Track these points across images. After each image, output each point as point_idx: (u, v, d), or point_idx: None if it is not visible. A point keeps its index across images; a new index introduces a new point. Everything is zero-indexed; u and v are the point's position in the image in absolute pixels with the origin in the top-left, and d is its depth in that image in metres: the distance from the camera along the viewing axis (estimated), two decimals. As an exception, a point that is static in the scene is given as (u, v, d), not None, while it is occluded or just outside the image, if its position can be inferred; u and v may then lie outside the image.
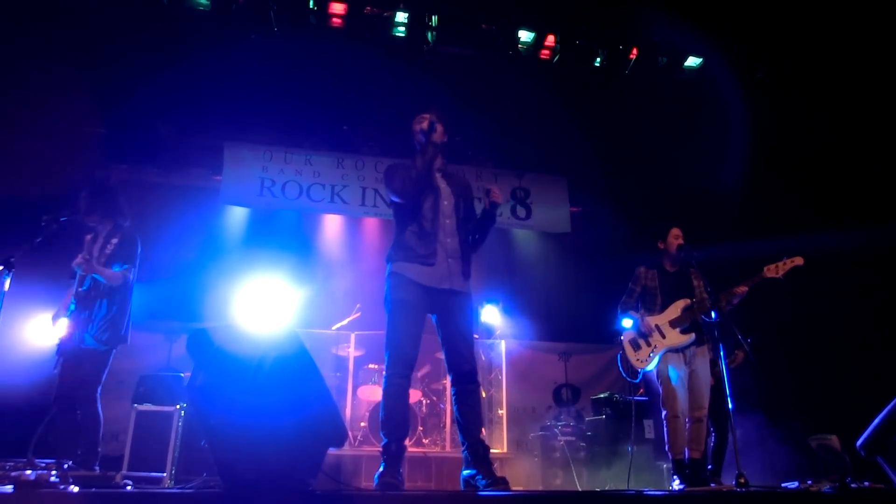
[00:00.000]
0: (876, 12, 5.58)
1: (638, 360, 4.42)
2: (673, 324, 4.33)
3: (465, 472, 3.14)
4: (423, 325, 3.23)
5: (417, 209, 3.32)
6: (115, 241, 4.12)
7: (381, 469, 3.04)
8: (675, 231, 4.55)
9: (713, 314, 4.18)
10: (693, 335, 4.26)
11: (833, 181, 6.42)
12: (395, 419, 3.12)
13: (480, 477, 3.03)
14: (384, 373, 3.18)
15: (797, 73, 6.44)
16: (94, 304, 4.08)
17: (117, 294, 4.16)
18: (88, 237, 4.20)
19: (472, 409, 3.22)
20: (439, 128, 3.39)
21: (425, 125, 3.37)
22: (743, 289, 4.23)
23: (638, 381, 4.55)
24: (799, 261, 4.16)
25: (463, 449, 3.19)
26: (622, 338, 4.57)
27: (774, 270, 4.18)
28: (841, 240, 5.79)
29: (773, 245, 4.51)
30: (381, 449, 3.12)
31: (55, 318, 4.16)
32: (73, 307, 4.05)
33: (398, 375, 3.13)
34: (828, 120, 6.40)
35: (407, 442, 5.78)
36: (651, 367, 4.36)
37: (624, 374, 4.56)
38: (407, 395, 3.21)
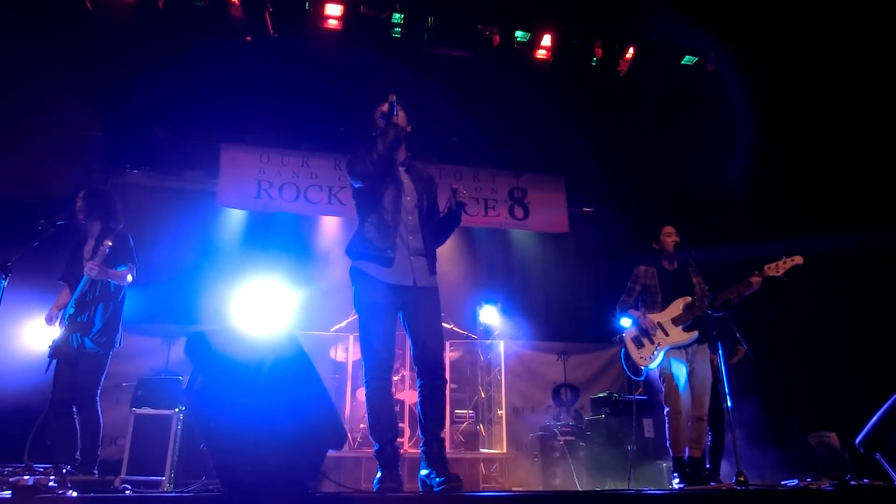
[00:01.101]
0: (877, 12, 5.59)
1: (641, 357, 4.42)
2: (675, 321, 4.33)
3: (422, 472, 3.06)
4: (394, 324, 3.15)
5: (378, 199, 3.23)
6: (108, 242, 4.11)
7: (379, 474, 2.99)
8: (667, 229, 4.56)
9: (715, 310, 4.19)
10: (696, 333, 4.27)
11: (833, 181, 6.43)
12: (383, 423, 3.05)
13: (435, 475, 2.97)
14: (364, 378, 3.11)
15: (798, 72, 6.45)
16: (91, 308, 4.09)
17: (113, 298, 4.18)
18: (90, 244, 4.21)
19: (436, 405, 3.14)
20: (401, 113, 3.32)
21: (385, 107, 3.31)
22: (758, 279, 4.22)
23: (642, 378, 4.55)
24: (799, 260, 4.18)
25: (420, 445, 3.11)
26: (624, 335, 4.57)
27: (775, 269, 4.19)
28: (840, 239, 5.81)
29: (773, 245, 4.52)
30: (374, 454, 3.06)
31: (49, 319, 4.14)
32: (72, 311, 4.05)
33: (377, 379, 3.07)
34: (829, 119, 6.41)
35: (406, 443, 5.77)
36: (654, 364, 4.36)
37: (628, 372, 4.56)
38: (390, 397, 3.16)
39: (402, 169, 3.37)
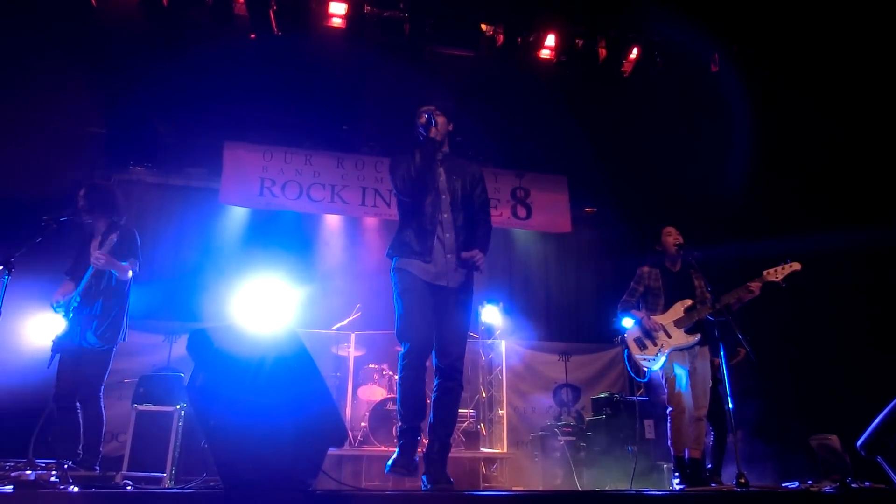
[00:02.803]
0: (880, 13, 5.57)
1: (644, 358, 4.43)
2: (677, 324, 4.34)
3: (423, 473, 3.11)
4: (431, 317, 3.19)
5: (419, 208, 3.27)
6: (113, 237, 4.12)
7: (395, 455, 3.04)
8: (668, 230, 4.56)
9: (716, 315, 4.18)
10: (698, 335, 4.28)
11: (834, 181, 6.42)
12: (409, 405, 3.10)
13: (427, 477, 3.02)
14: (399, 362, 3.17)
15: (800, 72, 6.43)
16: (93, 302, 4.08)
17: (115, 291, 4.16)
18: (96, 241, 4.21)
19: (446, 407, 3.18)
20: (440, 120, 3.31)
21: (423, 119, 3.31)
22: (757, 284, 4.22)
23: (645, 379, 4.55)
24: (797, 266, 4.18)
25: (425, 447, 3.15)
26: (626, 336, 4.57)
27: (774, 274, 4.19)
28: (841, 240, 5.79)
29: (775, 245, 4.51)
30: (397, 434, 3.12)
31: (55, 303, 4.13)
32: (76, 304, 4.05)
33: (411, 365, 3.11)
34: (830, 120, 6.39)
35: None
36: (657, 366, 4.37)
37: (631, 373, 4.56)
38: (422, 382, 3.17)
39: (440, 167, 3.35)
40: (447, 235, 3.23)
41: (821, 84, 6.41)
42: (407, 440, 3.08)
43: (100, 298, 4.09)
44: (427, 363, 3.18)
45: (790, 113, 6.62)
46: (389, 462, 3.01)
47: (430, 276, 3.19)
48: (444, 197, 3.30)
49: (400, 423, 3.14)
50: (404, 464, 2.99)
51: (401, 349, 3.17)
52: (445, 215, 3.26)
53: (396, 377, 3.22)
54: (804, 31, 6.05)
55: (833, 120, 6.38)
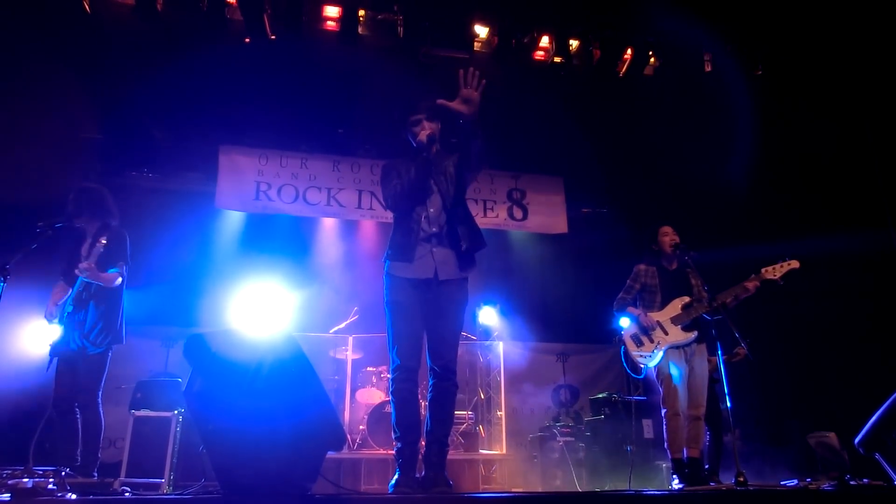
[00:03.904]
0: (877, 13, 5.60)
1: (640, 355, 4.42)
2: (674, 321, 4.34)
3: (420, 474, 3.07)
4: (419, 324, 3.13)
5: (408, 211, 3.22)
6: (103, 240, 4.09)
7: (396, 476, 2.99)
8: (664, 229, 4.56)
9: (713, 313, 4.19)
10: (695, 333, 4.28)
11: (833, 182, 6.44)
12: (405, 423, 3.06)
13: (425, 480, 2.99)
14: (389, 376, 3.13)
15: (796, 72, 6.45)
16: (85, 307, 4.06)
17: (107, 294, 4.14)
18: (87, 243, 4.17)
19: (442, 407, 3.13)
20: (435, 125, 3.24)
21: (423, 137, 3.18)
22: (755, 283, 4.22)
23: (642, 376, 4.54)
24: (795, 264, 4.18)
25: (423, 448, 3.11)
26: (623, 333, 4.57)
27: (772, 272, 4.20)
28: (840, 240, 5.82)
29: (773, 246, 4.52)
30: (394, 453, 3.07)
31: (49, 315, 4.12)
32: (70, 309, 4.03)
33: (401, 379, 3.07)
34: (827, 120, 6.41)
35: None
36: (654, 362, 4.36)
37: (628, 370, 4.56)
38: (415, 397, 3.14)
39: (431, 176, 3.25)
40: (434, 229, 3.17)
41: (817, 85, 6.44)
42: (405, 458, 3.02)
43: (91, 302, 4.07)
44: (419, 371, 3.15)
45: (786, 114, 6.65)
46: (392, 482, 2.97)
47: (414, 274, 3.12)
48: (431, 193, 3.21)
49: (397, 443, 3.08)
50: (407, 482, 2.95)
51: (391, 362, 3.13)
52: (432, 210, 3.19)
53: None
54: (799, 31, 6.07)
55: (830, 122, 6.41)
